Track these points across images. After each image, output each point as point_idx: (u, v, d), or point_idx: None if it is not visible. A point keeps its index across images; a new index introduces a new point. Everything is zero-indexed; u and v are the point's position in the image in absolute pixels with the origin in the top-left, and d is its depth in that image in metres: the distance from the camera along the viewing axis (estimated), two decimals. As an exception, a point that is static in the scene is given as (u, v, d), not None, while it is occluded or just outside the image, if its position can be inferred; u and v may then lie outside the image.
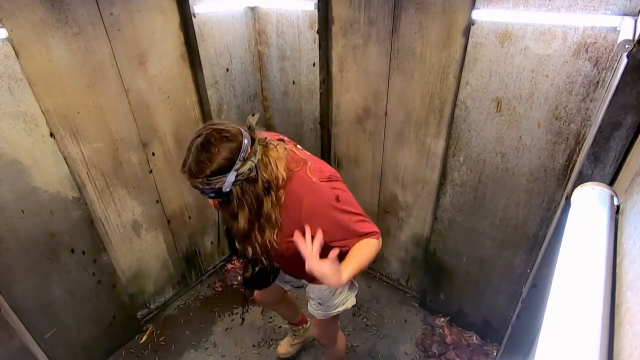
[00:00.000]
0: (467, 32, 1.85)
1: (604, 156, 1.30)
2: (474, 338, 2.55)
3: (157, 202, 2.55)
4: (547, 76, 1.69)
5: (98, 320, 2.36)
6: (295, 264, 1.44)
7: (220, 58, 2.56)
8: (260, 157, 1.29)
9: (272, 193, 1.33)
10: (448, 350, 2.48)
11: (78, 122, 2.00)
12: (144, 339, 2.64)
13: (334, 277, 1.22)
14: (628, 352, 0.64)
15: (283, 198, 1.34)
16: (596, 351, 0.63)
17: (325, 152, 2.82)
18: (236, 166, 1.23)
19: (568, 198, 1.27)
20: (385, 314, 2.80)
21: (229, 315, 2.82)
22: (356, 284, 1.83)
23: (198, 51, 2.37)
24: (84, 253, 2.14)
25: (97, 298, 2.30)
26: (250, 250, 1.46)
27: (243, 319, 1.73)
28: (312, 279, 1.68)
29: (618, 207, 1.07)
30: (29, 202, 1.86)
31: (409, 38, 2.09)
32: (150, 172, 2.45)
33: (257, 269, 1.71)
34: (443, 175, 2.25)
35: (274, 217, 1.36)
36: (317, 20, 2.31)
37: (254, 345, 2.60)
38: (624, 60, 1.21)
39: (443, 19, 1.93)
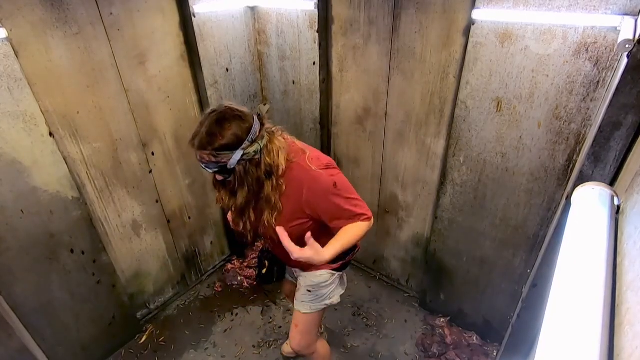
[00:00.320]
0: (467, 32, 1.85)
1: (604, 156, 1.30)
2: (474, 338, 2.55)
3: (157, 201, 2.55)
4: (548, 76, 1.68)
5: (98, 321, 2.36)
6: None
7: (220, 58, 2.56)
8: (265, 143, 1.37)
9: (273, 178, 1.41)
10: (448, 351, 2.48)
11: (78, 122, 2.00)
12: (143, 339, 2.64)
13: (317, 256, 1.36)
14: (628, 352, 0.64)
15: (284, 186, 1.43)
16: (596, 351, 0.63)
17: (325, 152, 2.81)
18: (244, 145, 1.30)
19: (568, 198, 1.27)
20: (386, 314, 2.80)
21: (229, 315, 2.82)
22: (345, 281, 1.88)
23: (198, 51, 2.37)
24: (83, 253, 2.14)
25: (96, 298, 2.29)
26: (241, 225, 1.57)
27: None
28: (306, 267, 1.75)
29: (618, 207, 1.06)
30: (29, 202, 1.85)
31: (409, 38, 2.09)
32: (150, 172, 2.45)
33: (266, 267, 1.86)
34: (443, 175, 2.25)
35: (273, 200, 1.44)
36: (317, 20, 2.31)
37: (253, 346, 2.60)
38: (625, 60, 1.21)
39: (443, 18, 1.93)
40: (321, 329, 2.53)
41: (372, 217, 1.50)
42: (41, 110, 1.80)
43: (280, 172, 1.40)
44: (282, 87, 2.80)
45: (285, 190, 1.44)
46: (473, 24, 1.78)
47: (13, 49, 1.66)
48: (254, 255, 3.30)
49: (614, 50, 1.50)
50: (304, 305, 1.81)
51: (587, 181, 1.26)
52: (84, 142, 2.06)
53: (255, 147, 1.33)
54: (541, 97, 1.74)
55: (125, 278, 2.53)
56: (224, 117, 1.29)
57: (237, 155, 1.31)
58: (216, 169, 1.37)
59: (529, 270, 1.98)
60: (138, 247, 2.55)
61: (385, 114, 2.40)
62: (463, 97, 1.96)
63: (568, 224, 0.98)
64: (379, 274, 3.11)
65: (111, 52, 2.04)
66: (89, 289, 2.23)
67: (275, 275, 1.94)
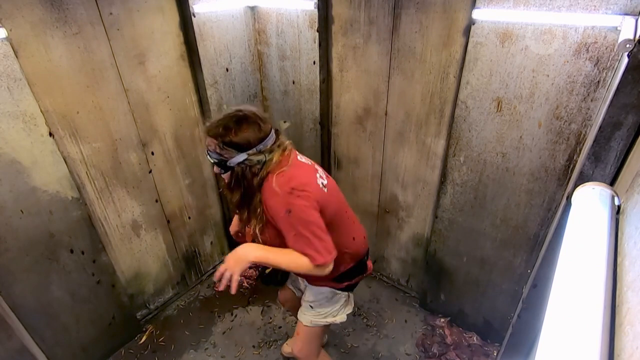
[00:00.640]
0: (467, 32, 1.85)
1: (604, 156, 1.29)
2: (475, 338, 2.55)
3: (157, 201, 2.55)
4: (548, 76, 1.68)
5: (97, 321, 2.36)
6: (276, 242, 1.52)
7: (220, 58, 2.55)
8: (271, 158, 1.38)
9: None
10: (448, 351, 2.48)
11: (77, 121, 2.00)
12: (143, 339, 2.63)
13: (234, 255, 1.39)
14: (629, 352, 0.63)
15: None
16: (597, 352, 0.63)
17: (325, 152, 2.81)
18: (250, 151, 1.34)
19: (569, 198, 1.27)
20: (386, 314, 2.79)
21: (228, 315, 2.82)
22: (352, 301, 1.86)
23: (198, 51, 2.37)
24: (83, 253, 2.14)
25: (96, 298, 2.29)
26: (245, 216, 1.55)
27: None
28: (311, 280, 1.73)
29: (619, 207, 1.06)
30: (28, 202, 1.85)
31: (409, 37, 2.09)
32: (150, 172, 2.44)
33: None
34: (443, 175, 2.25)
35: (258, 210, 1.45)
36: (317, 20, 2.31)
37: (253, 346, 2.60)
38: (625, 60, 1.21)
39: (443, 18, 1.93)
40: (325, 339, 2.52)
41: (325, 267, 1.38)
42: (41, 110, 1.80)
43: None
44: (282, 87, 2.80)
45: (264, 199, 1.43)
46: (473, 24, 1.78)
47: (13, 48, 1.66)
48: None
49: (615, 50, 1.50)
50: (305, 318, 1.81)
51: (588, 181, 1.26)
52: (83, 142, 2.06)
53: (260, 157, 1.36)
54: (541, 97, 1.74)
55: (125, 278, 2.53)
56: (245, 118, 1.34)
57: (241, 157, 1.35)
58: (216, 161, 1.39)
59: (529, 271, 1.98)
60: (138, 247, 2.54)
61: (386, 114, 2.40)
62: (463, 97, 1.96)
63: (568, 224, 0.98)
64: (379, 274, 3.10)
65: (111, 52, 2.03)
66: (88, 289, 2.23)
67: (279, 276, 1.90)
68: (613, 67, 1.52)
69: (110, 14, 1.97)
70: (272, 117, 3.02)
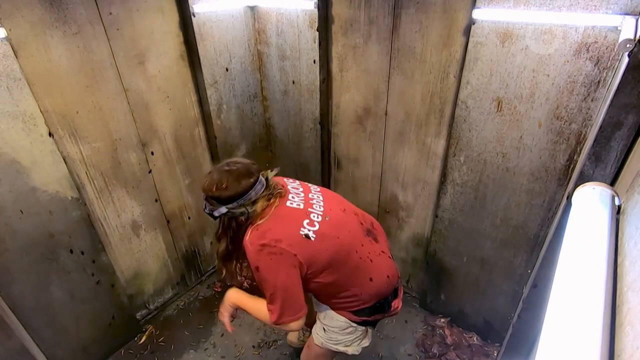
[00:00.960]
0: (467, 32, 1.85)
1: (605, 156, 1.29)
2: (475, 339, 2.54)
3: (156, 201, 2.54)
4: (548, 76, 1.68)
5: (97, 321, 2.36)
6: None
7: (220, 57, 2.55)
8: (255, 210, 1.41)
9: None
10: (449, 351, 2.47)
11: (77, 121, 2.00)
12: (143, 339, 2.63)
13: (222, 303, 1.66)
14: (629, 352, 0.63)
15: None
16: (597, 352, 0.62)
17: (325, 152, 2.81)
18: (230, 205, 1.39)
19: (569, 198, 1.26)
20: (386, 314, 2.79)
21: (228, 315, 2.82)
22: (370, 336, 1.81)
23: (197, 51, 2.37)
24: (83, 253, 2.14)
25: (96, 299, 2.29)
26: (223, 272, 1.60)
27: None
28: (331, 304, 1.65)
29: (619, 207, 1.06)
30: (28, 202, 1.85)
31: (409, 37, 2.08)
32: (150, 172, 2.44)
33: None
34: (443, 175, 2.24)
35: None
36: (317, 20, 2.31)
37: (253, 346, 2.59)
38: (625, 60, 1.21)
39: (443, 18, 1.93)
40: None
41: (280, 324, 1.44)
42: (40, 110, 1.80)
43: None
44: (282, 87, 2.80)
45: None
46: (473, 24, 1.78)
47: (12, 48, 1.66)
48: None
49: (615, 50, 1.50)
50: (317, 337, 1.77)
51: (588, 181, 1.26)
52: (83, 142, 2.05)
53: (242, 210, 1.40)
54: (542, 96, 1.73)
55: (124, 278, 2.52)
56: (227, 173, 1.38)
57: (222, 209, 1.40)
58: (206, 210, 1.45)
59: (529, 271, 1.98)
60: (137, 248, 2.54)
61: (386, 114, 2.40)
62: (463, 97, 1.96)
63: (569, 224, 0.98)
64: (379, 274, 3.10)
65: (110, 51, 2.03)
66: (88, 289, 2.23)
67: None
68: (613, 67, 1.52)
69: (110, 13, 1.97)
70: (272, 117, 3.03)
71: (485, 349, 2.49)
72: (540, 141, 1.82)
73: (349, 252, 1.47)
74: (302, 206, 1.47)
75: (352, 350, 1.74)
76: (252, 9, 2.64)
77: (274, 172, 1.50)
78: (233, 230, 1.45)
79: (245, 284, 3.02)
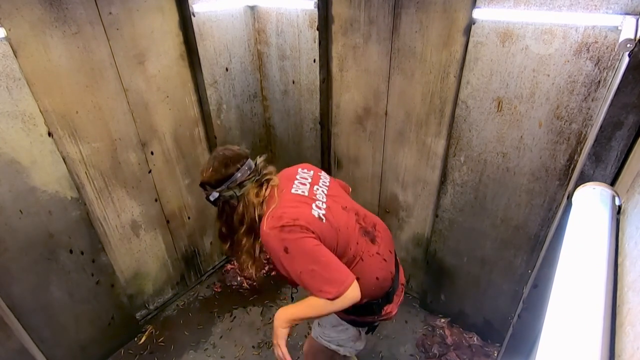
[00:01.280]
0: (467, 31, 1.85)
1: (605, 156, 1.29)
2: (475, 339, 2.54)
3: (156, 200, 2.54)
4: (549, 75, 1.68)
5: (97, 321, 2.35)
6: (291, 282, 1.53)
7: (220, 57, 2.55)
8: (244, 194, 1.46)
9: (244, 227, 1.48)
10: (449, 351, 2.47)
11: (77, 121, 2.00)
12: (143, 339, 2.63)
13: (273, 330, 1.41)
14: (629, 353, 0.63)
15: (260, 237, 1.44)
16: (597, 352, 0.62)
17: (325, 152, 2.81)
18: (219, 188, 1.45)
19: (569, 198, 1.26)
20: (386, 314, 2.79)
21: (228, 316, 2.82)
22: (363, 338, 1.77)
23: (197, 50, 2.37)
24: (82, 253, 2.14)
25: (95, 299, 2.29)
26: (225, 248, 1.64)
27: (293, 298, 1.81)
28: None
29: (619, 207, 1.06)
30: (28, 202, 1.85)
31: (409, 37, 2.08)
32: (149, 171, 2.44)
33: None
34: (444, 175, 2.24)
35: (246, 246, 1.51)
36: (317, 19, 2.30)
37: (253, 347, 2.59)
38: (626, 60, 1.20)
39: (444, 18, 1.93)
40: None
41: (343, 297, 1.29)
42: (40, 110, 1.80)
43: (258, 224, 1.44)
44: (282, 87, 2.80)
45: (263, 244, 1.42)
46: (474, 23, 1.78)
47: (12, 48, 1.66)
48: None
49: (615, 50, 1.49)
50: (314, 330, 1.80)
51: (588, 181, 1.25)
52: (83, 142, 2.05)
53: (231, 193, 1.45)
54: (542, 96, 1.73)
55: (124, 278, 2.52)
56: (214, 158, 1.47)
57: (215, 194, 1.46)
58: (205, 196, 1.51)
59: (529, 271, 1.98)
60: (137, 248, 2.54)
61: (386, 114, 2.40)
62: (463, 97, 1.95)
63: (569, 224, 0.98)
64: (379, 274, 3.09)
65: (110, 51, 2.03)
66: (88, 289, 2.23)
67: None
68: (614, 67, 1.52)
69: (110, 13, 1.97)
70: (272, 117, 3.02)
71: (486, 349, 2.48)
72: (541, 141, 1.82)
73: (346, 246, 1.47)
74: (306, 194, 1.51)
75: (345, 351, 1.73)
76: (252, 8, 2.63)
77: (262, 158, 1.56)
78: (227, 214, 1.51)
79: (245, 284, 3.02)
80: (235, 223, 1.50)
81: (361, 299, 1.46)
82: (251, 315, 2.82)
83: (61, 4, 1.79)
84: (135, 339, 2.64)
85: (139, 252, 2.56)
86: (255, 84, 2.89)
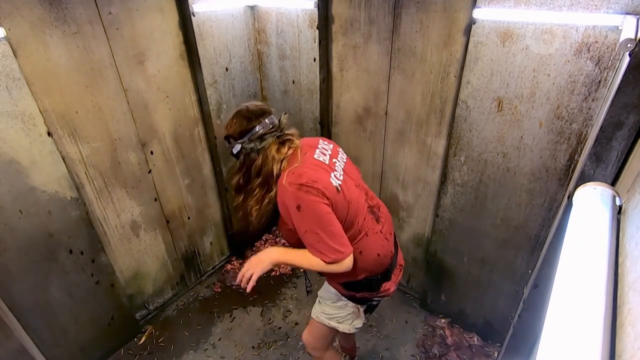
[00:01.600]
0: (468, 31, 1.84)
1: (606, 156, 1.29)
2: (475, 339, 2.54)
3: (156, 200, 2.54)
4: (549, 75, 1.67)
5: (96, 321, 2.35)
6: (292, 241, 1.62)
7: (220, 57, 2.55)
8: (265, 147, 1.49)
9: (262, 179, 1.51)
10: (449, 351, 2.47)
11: (76, 121, 1.99)
12: (142, 340, 2.63)
13: (256, 257, 1.52)
14: (630, 353, 0.63)
15: (274, 190, 1.50)
16: (598, 352, 0.62)
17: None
18: (241, 140, 1.49)
19: (570, 198, 1.26)
20: (386, 314, 2.78)
21: (228, 316, 2.81)
22: (362, 316, 1.83)
23: (197, 50, 2.37)
24: (82, 253, 2.14)
25: (95, 299, 2.29)
26: (239, 199, 1.66)
27: (309, 291, 1.87)
28: (328, 278, 1.72)
29: (620, 207, 1.06)
30: (27, 202, 1.85)
31: (409, 37, 2.08)
32: (149, 171, 2.44)
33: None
34: (444, 175, 2.24)
35: (257, 194, 1.54)
36: (317, 19, 2.30)
37: (253, 347, 2.59)
38: (626, 59, 1.20)
39: (444, 17, 1.92)
40: (335, 343, 2.47)
41: (339, 263, 1.41)
42: (39, 110, 1.80)
43: (274, 178, 1.50)
44: (282, 87, 2.79)
45: (277, 197, 1.50)
46: (474, 23, 1.77)
47: (11, 48, 1.66)
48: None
49: (616, 50, 1.49)
50: (314, 309, 1.85)
51: (589, 181, 1.25)
52: (82, 141, 2.05)
53: (252, 145, 1.48)
54: (542, 96, 1.73)
55: (124, 278, 2.52)
56: (237, 113, 1.52)
57: (237, 146, 1.50)
58: (229, 149, 1.56)
59: (530, 271, 1.97)
60: (137, 248, 2.54)
61: (386, 114, 2.39)
62: (464, 97, 1.95)
63: (569, 224, 0.98)
64: (379, 274, 3.09)
65: (110, 51, 2.03)
66: (87, 289, 2.23)
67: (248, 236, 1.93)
68: (614, 67, 1.52)
69: (110, 13, 1.97)
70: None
71: (486, 349, 2.48)
72: (541, 141, 1.82)
73: (354, 220, 1.53)
74: (327, 162, 1.55)
75: (344, 327, 1.79)
76: (252, 8, 2.63)
77: (286, 116, 1.60)
78: (246, 167, 1.54)
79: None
80: (252, 174, 1.53)
81: (361, 274, 1.59)
82: (251, 316, 2.81)
83: (61, 3, 1.78)
84: (135, 339, 2.63)
85: (139, 252, 2.56)
86: (255, 83, 2.89)
